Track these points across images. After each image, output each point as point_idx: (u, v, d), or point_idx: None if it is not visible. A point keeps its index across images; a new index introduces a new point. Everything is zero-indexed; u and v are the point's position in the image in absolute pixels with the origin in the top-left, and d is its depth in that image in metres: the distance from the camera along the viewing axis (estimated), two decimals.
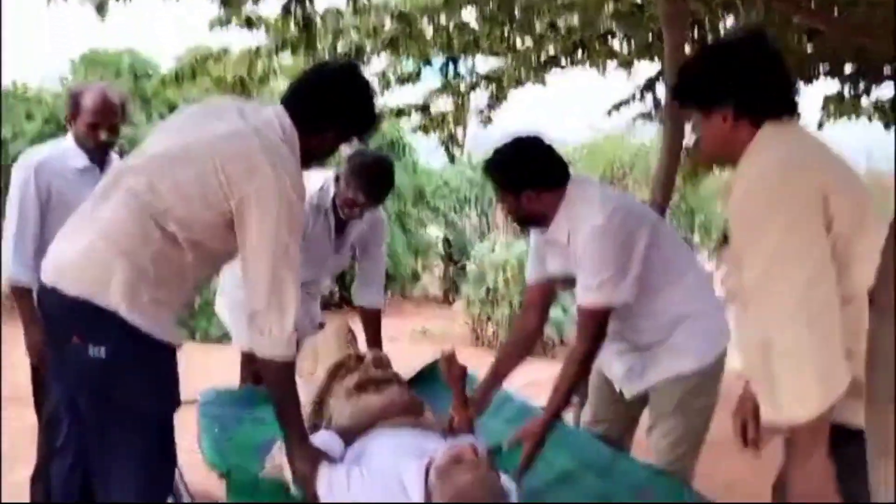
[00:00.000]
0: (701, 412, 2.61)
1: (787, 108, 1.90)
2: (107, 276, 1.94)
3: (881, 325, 1.52)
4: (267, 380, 2.15)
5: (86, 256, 1.97)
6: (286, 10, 3.39)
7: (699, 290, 2.65)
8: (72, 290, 1.95)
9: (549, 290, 2.87)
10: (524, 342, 2.92)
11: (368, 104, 2.30)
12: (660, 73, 5.15)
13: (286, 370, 2.12)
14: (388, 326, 10.96)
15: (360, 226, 3.37)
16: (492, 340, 8.83)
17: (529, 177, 2.54)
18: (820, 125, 5.76)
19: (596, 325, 2.49)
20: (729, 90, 1.88)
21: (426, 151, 11.08)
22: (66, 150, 2.99)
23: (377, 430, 2.48)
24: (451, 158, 5.89)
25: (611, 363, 2.78)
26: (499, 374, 2.85)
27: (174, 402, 2.11)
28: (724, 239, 2.10)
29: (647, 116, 6.04)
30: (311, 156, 2.24)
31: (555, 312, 7.49)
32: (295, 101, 2.20)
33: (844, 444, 1.71)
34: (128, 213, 1.98)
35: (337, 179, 3.18)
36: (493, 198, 12.34)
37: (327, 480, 2.19)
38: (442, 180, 12.27)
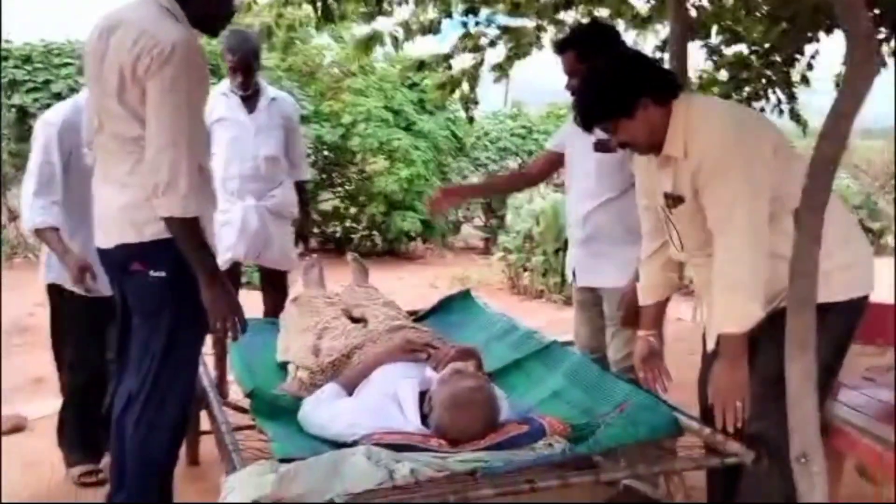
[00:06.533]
0: None
1: (678, 86, 2.23)
2: (154, 214, 2.21)
3: (804, 241, 1.71)
4: (175, 237, 2.22)
5: (130, 209, 2.25)
6: None
7: None
8: (126, 238, 2.28)
9: (556, 161, 3.27)
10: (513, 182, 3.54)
11: None
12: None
13: (187, 226, 2.20)
14: (429, 274, 11.23)
15: (274, 108, 3.93)
16: (528, 287, 9.03)
17: None
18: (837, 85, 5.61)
19: None
20: (640, 87, 2.16)
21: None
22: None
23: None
24: (470, 120, 5.98)
25: (573, 247, 3.13)
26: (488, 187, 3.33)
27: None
28: (671, 200, 2.39)
29: None
30: (207, 12, 2.30)
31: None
32: None
33: None
34: (136, 156, 2.21)
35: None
36: (532, 149, 12.44)
37: (316, 396, 2.47)
38: (483, 131, 12.37)
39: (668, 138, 2.16)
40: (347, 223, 10.99)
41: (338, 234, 11.00)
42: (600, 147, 2.88)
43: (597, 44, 2.86)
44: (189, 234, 2.21)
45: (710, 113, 2.13)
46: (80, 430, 3.21)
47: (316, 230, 11.20)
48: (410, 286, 8.52)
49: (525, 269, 9.05)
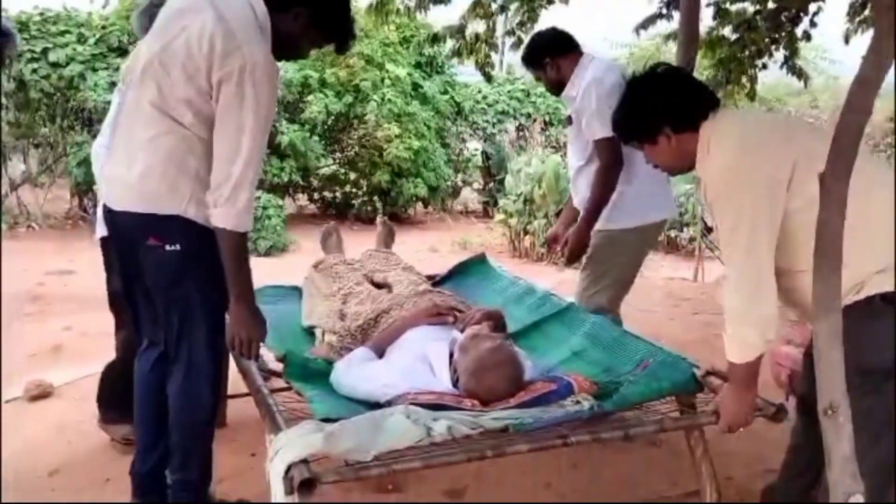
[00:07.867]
0: (616, 262, 3.29)
1: (711, 105, 2.22)
2: (171, 189, 2.27)
3: (829, 208, 1.78)
4: (220, 247, 2.27)
5: (147, 179, 2.27)
6: None
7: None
8: (141, 208, 2.30)
9: None
10: None
11: None
12: None
13: (235, 239, 2.26)
14: (429, 238, 11.27)
15: None
16: (528, 251, 9.12)
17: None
18: (846, 39, 5.65)
19: (612, 152, 3.10)
20: (660, 117, 2.21)
21: (464, 66, 11.19)
22: None
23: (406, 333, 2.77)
24: (488, 79, 6.05)
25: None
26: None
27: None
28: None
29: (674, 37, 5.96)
30: (283, 42, 2.31)
31: None
32: None
33: None
34: (164, 128, 2.25)
35: None
36: (530, 112, 12.45)
37: (347, 359, 2.55)
38: (480, 95, 12.37)
39: (698, 159, 2.21)
40: (347, 188, 11.03)
41: (338, 200, 11.05)
42: (567, 121, 3.39)
43: (535, 63, 3.30)
44: (236, 247, 2.27)
45: (722, 136, 2.15)
46: (124, 389, 3.24)
47: (316, 196, 11.26)
48: (413, 251, 8.59)
49: (526, 233, 9.14)
